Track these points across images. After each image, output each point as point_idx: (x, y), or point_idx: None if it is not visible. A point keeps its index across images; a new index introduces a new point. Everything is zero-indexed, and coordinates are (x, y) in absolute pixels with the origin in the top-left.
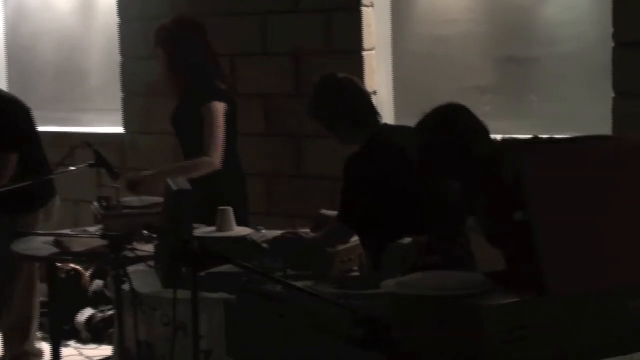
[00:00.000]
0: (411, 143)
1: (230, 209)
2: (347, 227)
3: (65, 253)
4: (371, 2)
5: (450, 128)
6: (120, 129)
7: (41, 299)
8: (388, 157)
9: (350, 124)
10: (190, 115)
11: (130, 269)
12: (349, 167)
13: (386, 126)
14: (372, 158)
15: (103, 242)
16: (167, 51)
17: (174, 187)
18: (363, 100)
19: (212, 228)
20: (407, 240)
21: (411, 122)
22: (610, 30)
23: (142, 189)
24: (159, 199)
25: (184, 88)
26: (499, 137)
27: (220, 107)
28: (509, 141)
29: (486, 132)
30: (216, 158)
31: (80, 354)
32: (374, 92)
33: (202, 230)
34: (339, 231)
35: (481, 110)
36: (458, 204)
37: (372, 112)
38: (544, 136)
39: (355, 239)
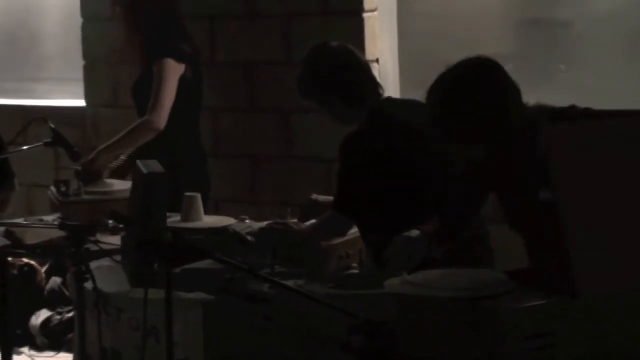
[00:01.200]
0: (418, 118)
1: (198, 196)
2: (344, 217)
3: (17, 246)
4: None
5: (481, 83)
6: (81, 102)
7: None
8: (391, 136)
9: (347, 101)
10: (151, 84)
11: (94, 264)
12: (346, 147)
13: (390, 100)
14: (373, 137)
15: (62, 233)
16: (127, 11)
17: (145, 170)
18: (361, 73)
19: (175, 217)
20: (414, 232)
21: (419, 94)
22: None
23: (87, 176)
24: (127, 184)
25: (145, 53)
26: (531, 102)
27: (173, 66)
28: (544, 109)
29: (519, 94)
30: (156, 117)
31: None
32: (376, 60)
33: (174, 220)
34: (335, 222)
35: None
36: (474, 180)
37: (373, 85)
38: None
39: (354, 231)
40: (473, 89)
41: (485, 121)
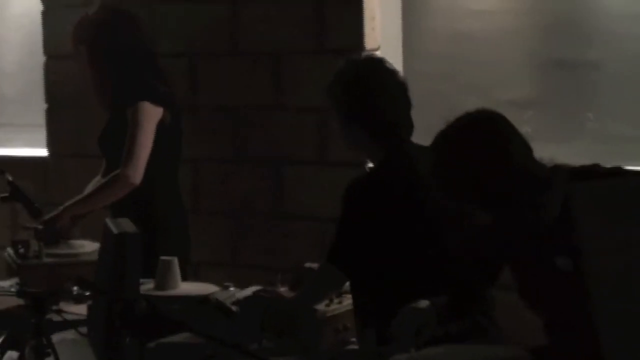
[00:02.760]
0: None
1: (175, 260)
2: (337, 271)
3: None
4: None
5: (480, 140)
6: (43, 151)
7: None
8: (406, 187)
9: (372, 134)
10: (121, 131)
11: (56, 337)
12: (351, 193)
13: (412, 145)
14: (385, 185)
15: (20, 301)
16: (91, 48)
17: (115, 229)
18: (405, 106)
19: (149, 285)
20: (423, 303)
21: (426, 142)
22: None
23: (49, 236)
24: (95, 245)
25: (115, 96)
26: (545, 160)
27: (151, 110)
28: (561, 169)
29: (530, 151)
30: (132, 171)
31: None
32: None
33: (148, 288)
34: (328, 276)
35: (520, 131)
36: (485, 249)
37: (408, 124)
38: (607, 166)
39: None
40: (471, 147)
41: (487, 181)
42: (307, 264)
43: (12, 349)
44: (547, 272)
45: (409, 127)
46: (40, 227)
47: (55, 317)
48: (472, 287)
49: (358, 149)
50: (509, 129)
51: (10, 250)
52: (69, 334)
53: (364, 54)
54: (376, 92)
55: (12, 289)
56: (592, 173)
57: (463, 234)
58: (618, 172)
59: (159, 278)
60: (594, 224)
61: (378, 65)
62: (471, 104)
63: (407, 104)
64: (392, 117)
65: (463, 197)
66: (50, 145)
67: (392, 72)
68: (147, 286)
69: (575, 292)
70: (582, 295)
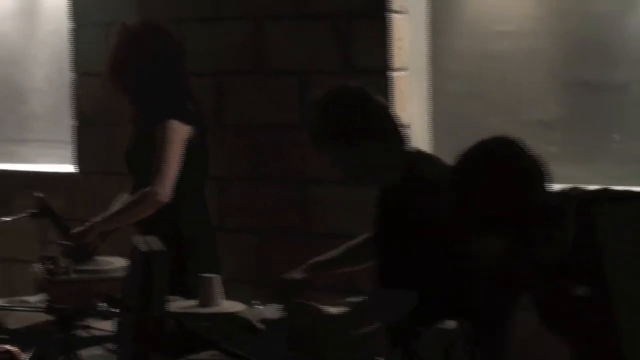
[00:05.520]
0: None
1: (218, 278)
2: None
3: None
4: (403, 8)
5: (504, 166)
6: (71, 168)
7: None
8: (438, 200)
9: (363, 154)
10: (147, 148)
11: (84, 353)
12: (384, 198)
13: (423, 156)
14: (416, 196)
15: (48, 317)
16: (127, 58)
17: (143, 247)
18: (388, 122)
19: (193, 302)
20: (451, 323)
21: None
22: None
23: (77, 253)
24: (123, 262)
25: (142, 113)
26: (559, 187)
27: (179, 129)
28: (572, 194)
29: (544, 177)
30: (160, 188)
31: None
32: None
33: (178, 305)
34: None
35: (546, 151)
36: (502, 273)
37: (398, 138)
38: (620, 188)
39: None
40: (488, 176)
41: (503, 210)
42: None
43: None
44: (565, 299)
45: (399, 140)
46: (68, 243)
47: (83, 333)
48: (495, 309)
49: (352, 174)
50: (528, 157)
51: (38, 266)
52: (97, 350)
53: (392, 73)
54: (360, 110)
55: (40, 305)
56: (604, 196)
57: (479, 262)
58: (629, 194)
59: (202, 295)
60: (620, 245)
61: (346, 90)
62: (498, 123)
63: (392, 116)
64: (386, 126)
65: (479, 226)
66: (79, 161)
67: (360, 89)
68: (180, 303)
69: (597, 318)
70: (603, 320)
